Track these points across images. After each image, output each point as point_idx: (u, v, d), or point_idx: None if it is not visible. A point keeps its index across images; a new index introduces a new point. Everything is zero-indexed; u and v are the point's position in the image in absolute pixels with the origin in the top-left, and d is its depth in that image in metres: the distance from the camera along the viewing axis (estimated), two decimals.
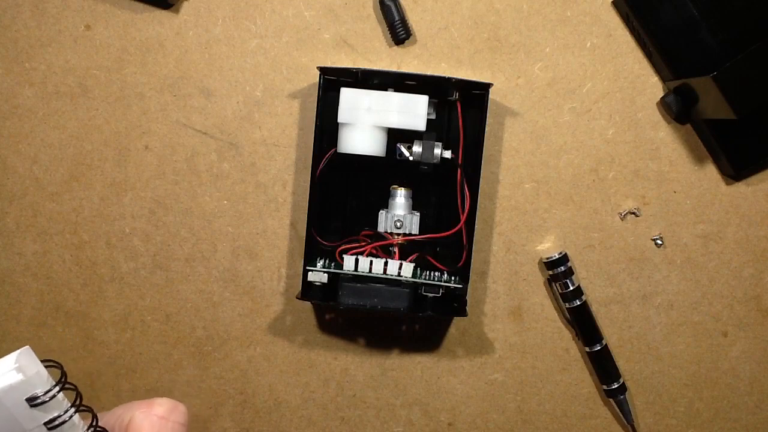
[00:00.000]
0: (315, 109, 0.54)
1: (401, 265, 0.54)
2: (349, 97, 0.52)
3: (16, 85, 0.58)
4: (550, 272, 0.57)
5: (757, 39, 0.52)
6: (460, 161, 0.54)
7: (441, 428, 0.60)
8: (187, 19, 0.57)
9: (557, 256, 0.56)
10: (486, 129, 0.53)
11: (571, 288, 0.56)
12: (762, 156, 0.55)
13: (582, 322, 0.57)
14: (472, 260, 0.54)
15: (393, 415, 0.60)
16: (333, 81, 0.54)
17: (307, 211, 0.54)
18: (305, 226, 0.55)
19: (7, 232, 0.59)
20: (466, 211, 0.54)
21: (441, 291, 0.54)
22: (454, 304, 0.55)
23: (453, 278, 0.55)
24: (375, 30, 0.57)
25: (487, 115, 0.53)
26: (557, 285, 0.57)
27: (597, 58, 0.56)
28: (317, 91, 0.53)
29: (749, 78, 0.48)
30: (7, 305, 0.60)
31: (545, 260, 0.57)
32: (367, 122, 0.52)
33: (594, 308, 0.58)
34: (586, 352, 0.58)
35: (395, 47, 0.57)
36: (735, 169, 0.56)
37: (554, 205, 0.58)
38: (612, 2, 0.56)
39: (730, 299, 0.58)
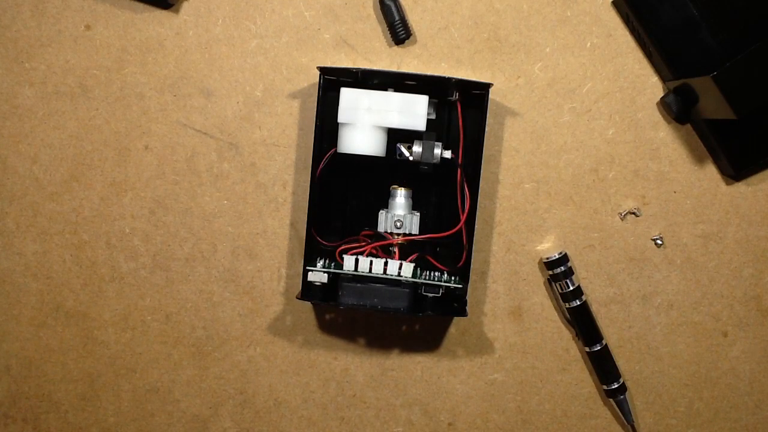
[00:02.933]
0: (315, 109, 0.54)
1: (401, 265, 0.53)
2: (349, 97, 0.52)
3: (16, 85, 0.58)
4: (550, 272, 0.57)
5: (757, 39, 0.52)
6: (460, 161, 0.54)
7: (441, 428, 0.60)
8: (187, 19, 0.57)
9: (557, 256, 0.56)
10: (486, 129, 0.53)
11: (571, 288, 0.56)
12: (762, 156, 0.55)
13: (582, 322, 0.57)
14: (472, 260, 0.54)
15: (393, 415, 0.60)
16: (333, 81, 0.54)
17: (307, 211, 0.54)
18: (305, 226, 0.55)
19: (7, 232, 0.59)
20: (466, 211, 0.54)
21: (441, 291, 0.54)
22: (454, 304, 0.55)
23: (453, 278, 0.55)
24: (375, 30, 0.57)
25: (487, 115, 0.53)
26: (557, 285, 0.57)
27: (597, 58, 0.56)
28: (317, 91, 0.53)
29: (749, 78, 0.48)
30: (7, 305, 0.60)
31: (545, 260, 0.57)
32: (367, 122, 0.52)
33: (594, 308, 0.58)
34: (586, 352, 0.58)
35: (395, 47, 0.57)
36: (735, 169, 0.56)
37: (554, 205, 0.58)
38: (612, 2, 0.56)
39: (730, 299, 0.58)
